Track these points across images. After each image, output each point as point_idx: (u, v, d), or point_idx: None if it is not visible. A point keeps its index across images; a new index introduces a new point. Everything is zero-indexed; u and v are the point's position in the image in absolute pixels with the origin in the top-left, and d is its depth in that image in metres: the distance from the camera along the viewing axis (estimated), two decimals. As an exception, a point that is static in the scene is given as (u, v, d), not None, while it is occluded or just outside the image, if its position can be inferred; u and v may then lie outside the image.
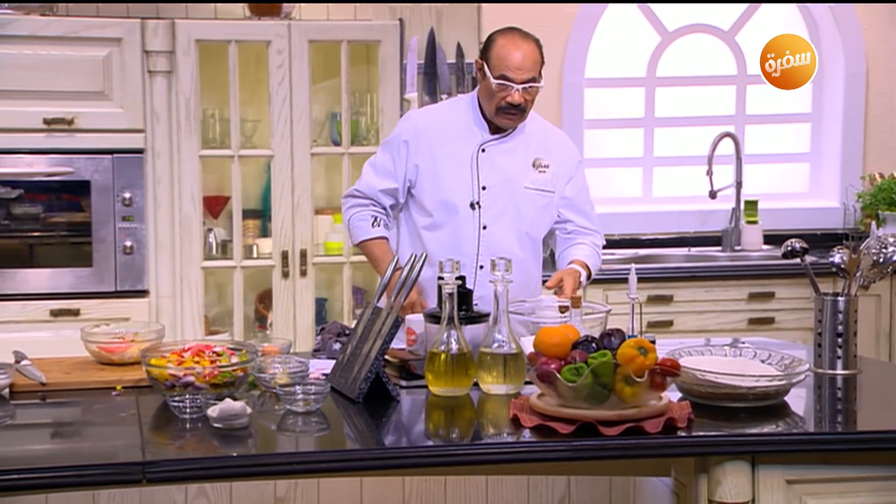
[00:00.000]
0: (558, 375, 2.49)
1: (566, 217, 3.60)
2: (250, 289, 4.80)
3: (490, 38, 3.48)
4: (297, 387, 2.67)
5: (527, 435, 2.50)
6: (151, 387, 2.77)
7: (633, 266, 3.05)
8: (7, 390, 2.79)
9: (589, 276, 3.54)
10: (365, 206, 3.57)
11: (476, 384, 2.82)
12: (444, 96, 5.08)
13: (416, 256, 2.95)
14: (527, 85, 3.39)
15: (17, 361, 2.95)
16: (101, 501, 2.87)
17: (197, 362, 2.74)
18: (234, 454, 2.39)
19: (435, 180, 3.51)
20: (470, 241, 3.47)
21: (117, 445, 2.51)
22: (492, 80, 3.40)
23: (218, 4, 4.72)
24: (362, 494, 2.95)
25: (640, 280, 3.08)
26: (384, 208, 3.58)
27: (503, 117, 3.46)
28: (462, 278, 2.96)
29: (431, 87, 5.06)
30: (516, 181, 3.51)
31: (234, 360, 2.79)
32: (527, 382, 2.79)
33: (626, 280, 3.03)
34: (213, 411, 2.50)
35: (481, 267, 3.45)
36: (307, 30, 4.53)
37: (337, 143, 4.76)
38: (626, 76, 5.43)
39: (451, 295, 2.81)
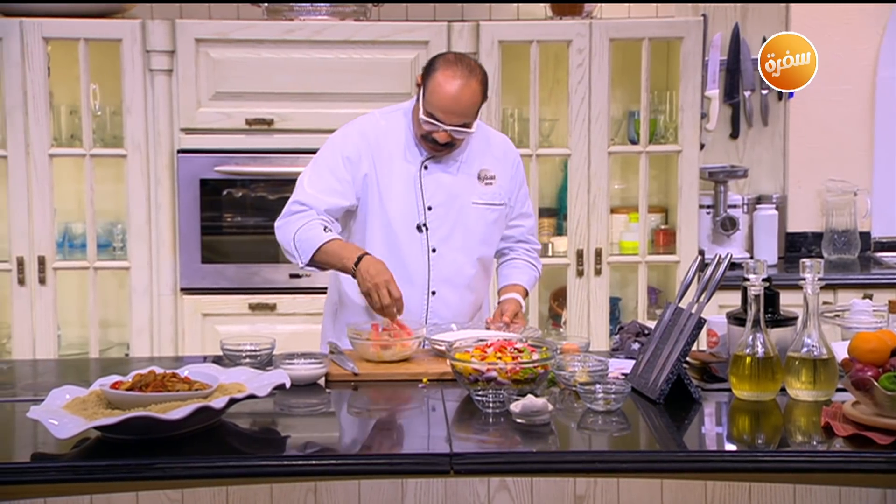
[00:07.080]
0: (875, 383, 2.37)
1: (516, 224, 3.47)
2: (545, 286, 4.84)
3: (432, 64, 3.20)
4: (598, 385, 2.67)
5: (839, 444, 2.40)
6: (455, 380, 2.85)
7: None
8: (323, 379, 2.94)
9: (526, 295, 3.44)
10: (310, 217, 3.18)
11: (783, 389, 2.73)
12: (746, 93, 4.95)
13: (720, 256, 2.88)
14: (456, 129, 3.17)
15: (332, 353, 3.11)
16: (409, 490, 2.97)
17: (499, 358, 2.79)
18: (536, 450, 2.42)
19: (379, 201, 3.27)
20: (419, 266, 3.27)
21: (425, 436, 2.59)
22: (421, 112, 3.17)
23: (520, 5, 4.79)
24: (663, 496, 2.92)
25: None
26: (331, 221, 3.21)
27: (427, 146, 3.24)
28: (769, 279, 2.87)
29: (733, 83, 4.94)
30: (463, 198, 3.29)
31: (536, 357, 2.82)
32: (839, 389, 2.68)
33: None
34: (515, 407, 2.54)
35: (433, 293, 3.28)
36: (608, 28, 4.51)
37: (634, 142, 4.72)
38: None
39: (756, 297, 2.73)
